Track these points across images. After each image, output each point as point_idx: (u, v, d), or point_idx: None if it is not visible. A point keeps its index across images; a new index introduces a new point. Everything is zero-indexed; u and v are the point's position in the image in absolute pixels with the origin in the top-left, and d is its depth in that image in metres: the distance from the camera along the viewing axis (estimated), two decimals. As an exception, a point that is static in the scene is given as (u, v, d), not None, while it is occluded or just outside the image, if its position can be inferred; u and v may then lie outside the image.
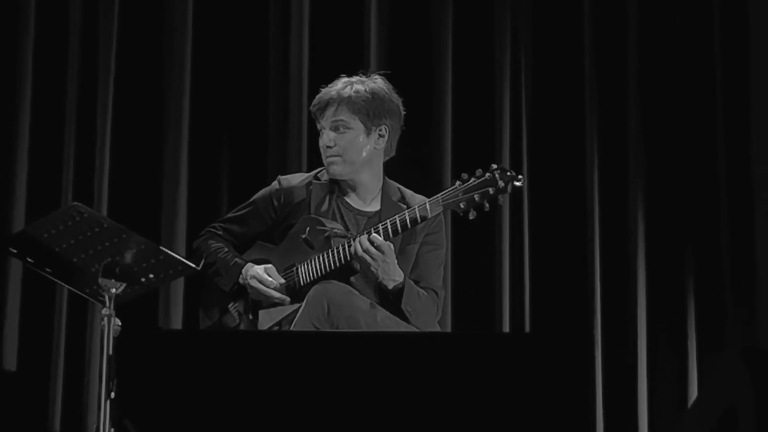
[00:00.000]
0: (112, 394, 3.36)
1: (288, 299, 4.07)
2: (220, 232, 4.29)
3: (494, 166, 3.94)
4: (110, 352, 3.36)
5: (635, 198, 5.50)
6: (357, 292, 3.96)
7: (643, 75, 5.57)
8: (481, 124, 5.50)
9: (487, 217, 4.01)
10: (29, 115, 5.25)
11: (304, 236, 4.08)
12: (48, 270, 3.54)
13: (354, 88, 4.15)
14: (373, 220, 4.16)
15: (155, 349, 3.28)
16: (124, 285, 3.42)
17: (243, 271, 4.13)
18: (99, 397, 3.37)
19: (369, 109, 4.14)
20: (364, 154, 4.17)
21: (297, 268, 4.08)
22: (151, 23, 5.41)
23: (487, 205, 3.90)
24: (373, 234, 3.96)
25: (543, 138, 5.51)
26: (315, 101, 4.22)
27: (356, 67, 4.38)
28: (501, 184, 3.89)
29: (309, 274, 4.05)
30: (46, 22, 5.32)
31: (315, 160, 4.35)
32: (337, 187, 4.22)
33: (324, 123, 4.18)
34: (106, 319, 3.37)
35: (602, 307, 5.43)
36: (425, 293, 4.12)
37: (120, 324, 3.42)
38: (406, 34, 5.52)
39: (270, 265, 4.12)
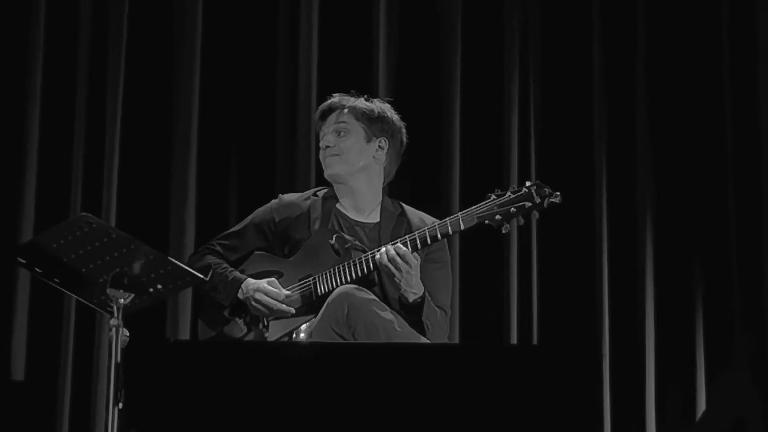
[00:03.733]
0: (120, 404, 3.36)
1: (293, 310, 4.07)
2: (217, 248, 4.30)
3: (529, 182, 3.99)
4: (118, 362, 3.36)
5: (644, 210, 5.51)
6: (378, 299, 3.96)
7: (652, 86, 5.58)
8: (490, 145, 5.51)
9: (497, 231, 4.01)
10: (38, 125, 5.26)
11: (332, 242, 4.09)
12: (56, 280, 3.54)
13: (359, 100, 4.25)
14: (372, 232, 4.18)
15: (163, 360, 3.28)
16: (133, 295, 3.42)
17: (243, 286, 4.13)
18: (107, 407, 3.37)
19: (371, 118, 4.21)
20: (362, 159, 4.21)
21: (315, 279, 4.08)
22: (160, 37, 5.42)
23: (521, 219, 3.95)
24: (399, 244, 3.97)
25: (551, 153, 5.53)
26: (320, 107, 4.30)
27: (364, 82, 4.44)
28: (538, 199, 3.94)
29: (326, 284, 4.05)
30: (55, 29, 5.33)
31: (323, 179, 4.36)
32: (335, 201, 4.23)
33: (326, 128, 4.25)
34: (114, 329, 3.37)
35: (610, 319, 5.43)
36: (439, 311, 4.12)
37: (128, 334, 3.43)
38: (414, 56, 5.55)
39: (273, 279, 4.13)
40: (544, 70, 5.60)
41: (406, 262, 3.95)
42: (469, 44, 5.56)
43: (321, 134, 4.26)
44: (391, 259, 3.95)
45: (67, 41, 5.34)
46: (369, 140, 4.20)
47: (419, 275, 4.01)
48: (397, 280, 3.97)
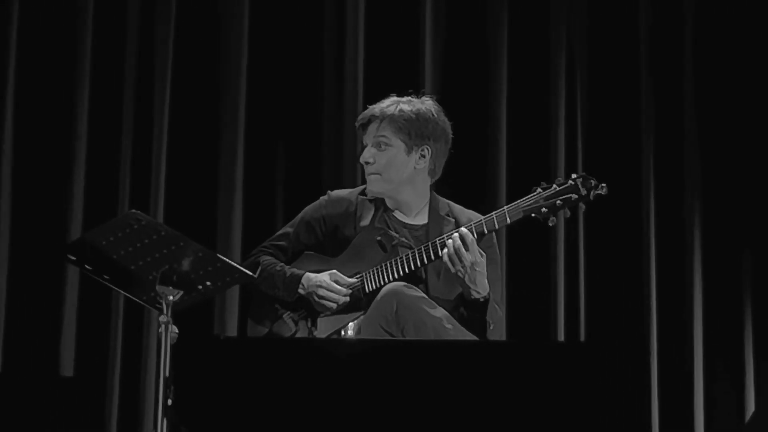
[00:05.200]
0: (169, 401, 3.37)
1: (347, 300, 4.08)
2: (271, 250, 4.29)
3: (575, 175, 3.97)
4: (167, 359, 3.37)
5: (692, 204, 5.48)
6: (426, 296, 3.94)
7: (699, 77, 5.56)
8: (536, 141, 5.49)
9: (543, 226, 4.00)
10: (86, 124, 5.29)
11: (378, 238, 4.08)
12: (106, 277, 3.56)
13: (399, 107, 4.15)
14: (420, 233, 4.17)
15: (212, 357, 3.29)
16: (182, 292, 3.43)
17: (303, 281, 4.12)
18: (156, 403, 3.38)
19: (411, 129, 4.13)
20: (404, 173, 4.16)
21: (364, 276, 4.09)
22: (206, 37, 5.44)
23: (568, 212, 3.93)
24: (463, 229, 3.96)
25: (598, 146, 5.50)
26: (360, 117, 4.24)
27: (411, 84, 4.39)
28: (584, 191, 3.92)
29: (375, 281, 4.05)
30: (103, 32, 5.36)
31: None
32: (383, 204, 4.22)
33: (366, 138, 4.20)
34: (163, 326, 3.38)
35: (658, 316, 5.40)
36: (497, 308, 4.11)
37: (177, 331, 3.44)
38: (461, 52, 5.54)
39: (334, 271, 4.11)
40: (590, 62, 5.58)
41: (471, 254, 3.93)
42: (516, 38, 5.54)
43: (363, 144, 4.23)
44: (456, 248, 3.93)
45: (116, 37, 5.36)
46: (410, 152, 4.14)
47: (485, 274, 3.99)
48: (461, 274, 3.95)
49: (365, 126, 4.18)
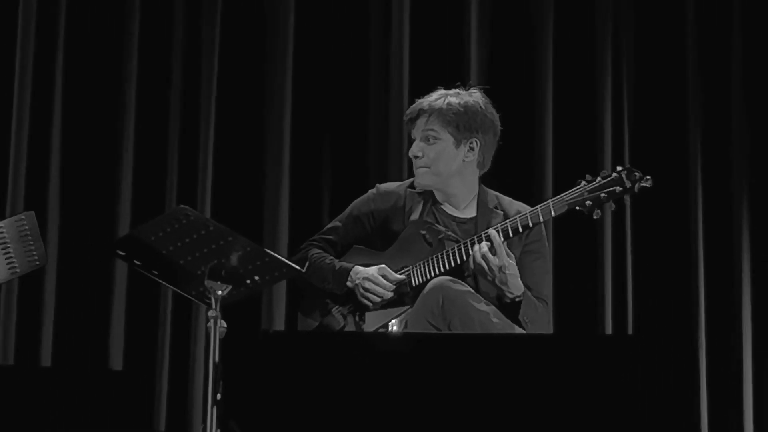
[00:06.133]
0: (218, 395, 3.39)
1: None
2: (320, 244, 4.30)
3: (620, 167, 3.97)
4: (216, 354, 3.38)
5: (740, 199, 5.44)
6: (473, 291, 3.95)
7: (747, 69, 5.50)
8: (583, 134, 5.47)
9: (590, 220, 3.99)
10: (134, 120, 5.33)
11: (423, 233, 4.09)
12: (155, 272, 3.58)
13: (447, 101, 4.14)
14: (468, 226, 4.16)
15: (261, 351, 3.30)
16: (230, 287, 3.45)
17: (351, 273, 4.13)
18: (205, 398, 3.40)
19: (459, 122, 4.12)
20: (453, 166, 4.15)
21: (412, 270, 4.09)
22: (252, 32, 5.45)
23: (613, 204, 3.94)
24: (491, 232, 3.96)
25: (645, 144, 5.47)
26: (408, 111, 4.23)
27: (456, 77, 4.38)
28: (628, 184, 3.92)
29: (421, 275, 4.05)
30: (150, 30, 5.39)
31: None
32: (431, 197, 4.22)
33: (415, 132, 4.19)
34: (212, 320, 3.40)
35: (706, 308, 5.37)
36: (540, 304, 4.10)
37: (226, 326, 3.45)
38: (506, 44, 5.51)
39: (383, 265, 4.11)
40: (637, 55, 5.55)
41: (498, 257, 3.93)
42: (562, 30, 5.52)
43: (412, 137, 4.23)
44: (483, 255, 3.94)
45: (162, 35, 5.39)
46: (458, 145, 4.13)
47: (517, 275, 3.99)
48: (489, 279, 3.95)
49: (413, 120, 4.18)
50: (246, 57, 5.44)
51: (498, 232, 3.97)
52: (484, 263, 3.93)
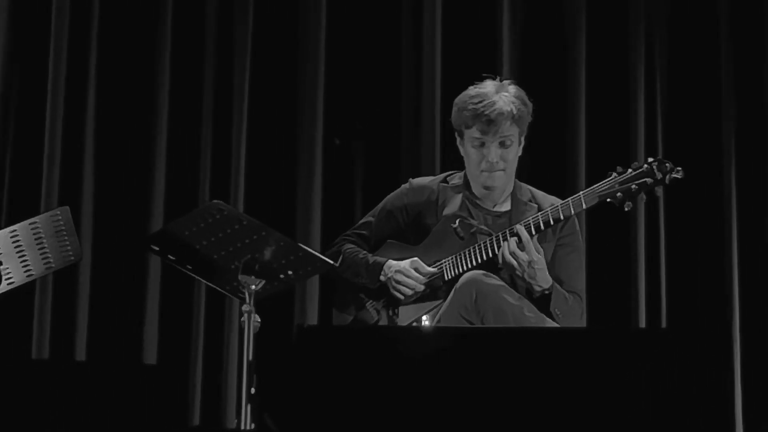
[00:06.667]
0: (253, 389, 3.40)
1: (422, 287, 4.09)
2: (353, 239, 4.30)
3: (651, 159, 3.96)
4: (251, 348, 3.39)
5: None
6: (506, 284, 3.95)
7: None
8: (616, 125, 5.44)
9: (623, 212, 3.98)
10: (167, 116, 5.34)
11: (455, 226, 4.08)
12: (189, 267, 3.60)
13: (511, 100, 4.08)
14: (503, 220, 4.15)
15: (296, 345, 3.30)
16: (264, 281, 3.46)
17: (385, 267, 4.13)
18: (239, 392, 3.41)
19: (522, 121, 4.11)
20: (516, 163, 4.17)
21: (445, 264, 4.09)
22: (284, 27, 5.46)
23: (644, 196, 3.93)
24: (519, 227, 3.96)
25: (679, 136, 5.45)
26: (479, 114, 4.07)
27: (488, 68, 4.36)
28: (659, 175, 3.91)
29: (454, 269, 4.05)
30: (183, 28, 5.41)
31: (448, 163, 4.34)
32: (466, 188, 4.21)
33: (492, 137, 4.09)
34: (246, 315, 3.41)
35: (740, 301, 5.34)
36: (571, 297, 4.10)
37: (260, 320, 3.47)
38: (539, 34, 5.49)
39: (416, 258, 4.11)
40: (670, 46, 5.51)
41: (527, 253, 3.93)
42: (595, 21, 5.49)
43: (481, 141, 4.11)
44: (512, 252, 3.93)
45: (195, 32, 5.41)
46: (520, 142, 4.15)
47: (545, 269, 3.98)
48: (519, 273, 3.95)
49: (491, 123, 4.06)
50: (279, 53, 5.45)
51: (529, 225, 3.97)
52: (513, 260, 3.94)
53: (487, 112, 4.06)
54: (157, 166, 5.31)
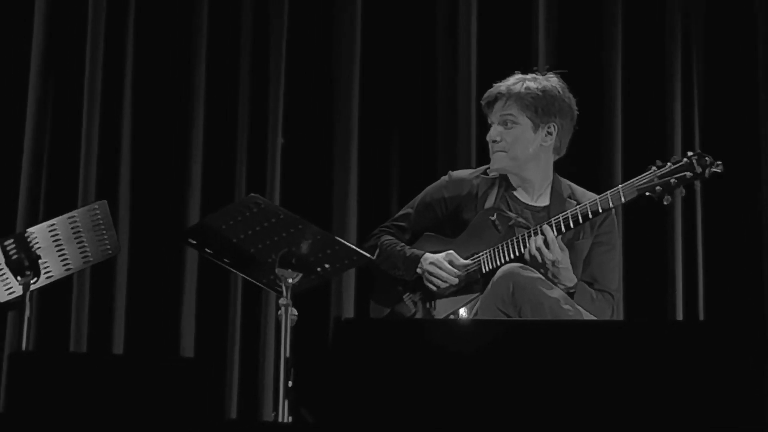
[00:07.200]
0: (290, 383, 3.40)
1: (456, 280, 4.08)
2: (392, 230, 4.31)
3: (690, 152, 3.94)
4: (288, 341, 3.40)
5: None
6: (543, 277, 3.94)
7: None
8: (652, 121, 5.42)
9: (660, 206, 3.97)
10: (203, 109, 5.36)
11: (492, 219, 4.08)
12: (226, 260, 3.61)
13: (525, 85, 4.12)
14: (541, 215, 4.14)
15: (334, 338, 3.31)
16: (301, 275, 3.46)
17: (422, 260, 4.13)
18: (276, 385, 3.42)
19: (538, 107, 4.10)
20: (530, 150, 4.13)
21: (482, 257, 4.08)
22: (319, 22, 5.46)
23: (683, 190, 3.91)
24: (545, 227, 3.95)
25: (716, 132, 5.41)
26: (485, 95, 4.21)
27: (524, 62, 4.37)
28: (699, 169, 3.89)
29: (491, 262, 4.05)
30: (218, 21, 5.42)
31: (484, 157, 4.33)
32: (505, 182, 4.21)
33: (493, 117, 4.17)
34: (283, 308, 3.42)
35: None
36: (600, 296, 4.08)
37: (296, 313, 3.47)
38: (575, 29, 5.46)
39: (451, 251, 4.11)
40: (707, 38, 5.48)
41: (551, 252, 3.92)
42: (631, 13, 5.47)
43: (489, 122, 4.20)
44: (538, 248, 3.93)
45: (231, 28, 5.42)
46: (536, 129, 4.12)
47: (570, 268, 3.98)
48: (542, 271, 3.95)
49: (491, 104, 4.17)
50: (313, 46, 5.45)
51: (559, 223, 3.96)
52: (538, 255, 3.93)
53: (489, 93, 4.16)
54: (193, 160, 5.32)
